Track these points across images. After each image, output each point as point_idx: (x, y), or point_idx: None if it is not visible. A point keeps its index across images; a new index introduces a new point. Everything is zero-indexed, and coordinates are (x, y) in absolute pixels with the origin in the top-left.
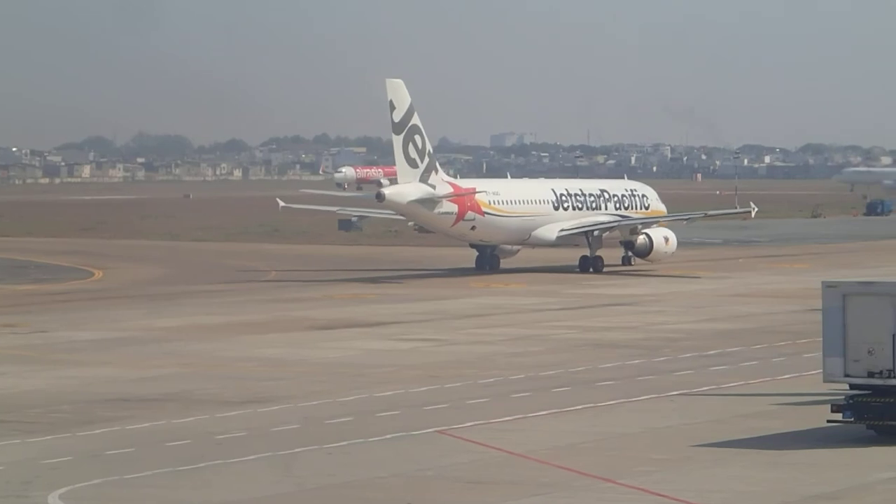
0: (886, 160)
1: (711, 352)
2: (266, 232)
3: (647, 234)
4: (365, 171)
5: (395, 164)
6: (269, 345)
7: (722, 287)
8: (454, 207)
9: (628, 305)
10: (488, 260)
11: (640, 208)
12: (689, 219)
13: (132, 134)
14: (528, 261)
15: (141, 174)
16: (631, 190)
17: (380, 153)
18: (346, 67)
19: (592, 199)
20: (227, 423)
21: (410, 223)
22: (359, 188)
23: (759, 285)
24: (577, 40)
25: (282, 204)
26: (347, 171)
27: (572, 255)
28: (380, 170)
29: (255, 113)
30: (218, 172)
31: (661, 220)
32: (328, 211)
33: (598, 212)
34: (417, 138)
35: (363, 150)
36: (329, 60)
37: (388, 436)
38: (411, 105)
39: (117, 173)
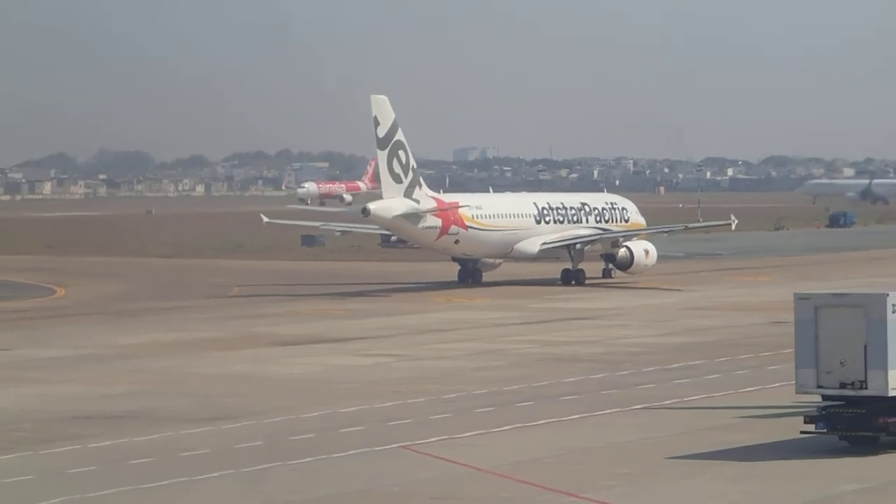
0: (849, 172)
1: (674, 365)
2: (229, 248)
3: (627, 247)
4: (327, 186)
5: (356, 180)
6: (232, 361)
7: (685, 300)
8: (438, 222)
9: (591, 319)
10: (471, 273)
11: (621, 221)
12: (669, 231)
13: (94, 150)
14: (510, 274)
15: (103, 191)
16: (611, 203)
17: (342, 168)
18: (309, 82)
19: (573, 212)
20: (191, 440)
21: (393, 237)
22: (321, 203)
23: (722, 298)
24: (540, 54)
25: (265, 219)
26: (310, 187)
27: (554, 269)
28: (342, 185)
29: (216, 128)
30: (180, 188)
31: (641, 232)
32: (312, 226)
33: (579, 225)
34: (402, 153)
35: (326, 165)
36: (291, 76)
37: (353, 451)
38: (395, 121)
39: (79, 190)
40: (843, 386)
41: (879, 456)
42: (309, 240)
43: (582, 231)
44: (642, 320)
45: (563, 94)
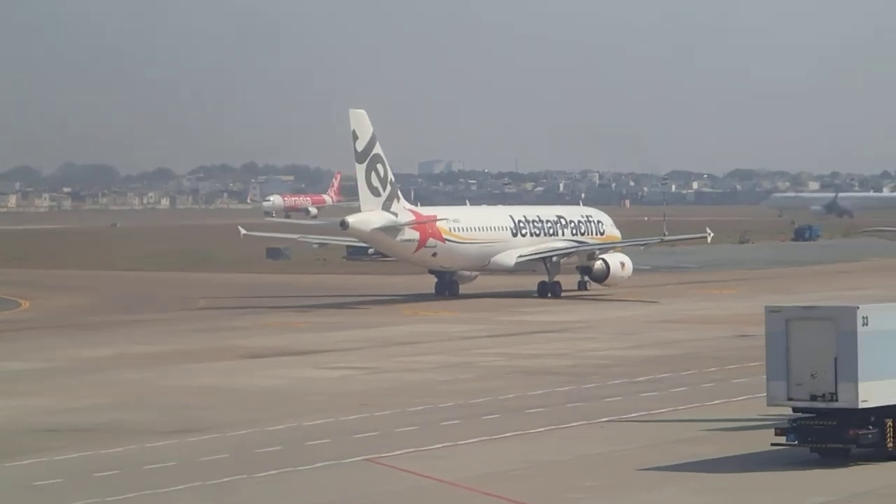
0: (814, 186)
1: (641, 378)
2: (194, 261)
3: (603, 260)
4: (293, 199)
5: (322, 193)
6: (199, 374)
7: (651, 313)
8: (416, 234)
9: (558, 332)
10: (448, 286)
11: (596, 234)
12: (646, 244)
13: (58, 163)
14: (486, 287)
15: (68, 204)
16: (587, 216)
17: (308, 181)
18: (274, 96)
19: (550, 225)
20: (157, 453)
21: (371, 250)
22: (287, 216)
23: (688, 311)
24: (506, 67)
25: (243, 231)
26: (275, 200)
27: (531, 281)
28: (308, 198)
29: (182, 142)
30: (145, 201)
31: (617, 245)
32: (289, 238)
33: (556, 238)
34: (380, 167)
35: (291, 178)
36: (256, 89)
37: (319, 464)
38: (373, 135)
39: (43, 203)
40: (813, 398)
41: (850, 468)
42: (274, 252)
43: (558, 244)
44: (609, 333)
45: (529, 107)
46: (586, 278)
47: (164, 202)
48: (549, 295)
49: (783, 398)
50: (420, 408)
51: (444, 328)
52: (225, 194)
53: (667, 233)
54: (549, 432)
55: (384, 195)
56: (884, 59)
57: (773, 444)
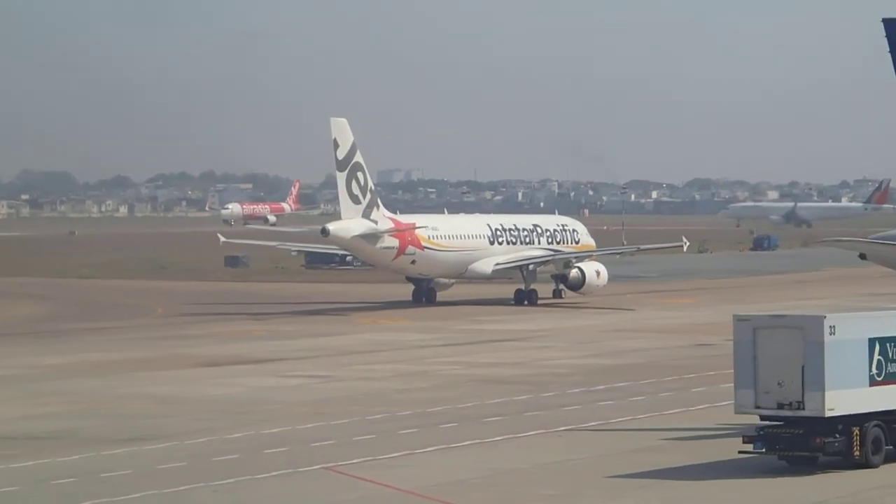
0: (773, 195)
1: (599, 387)
2: (153, 269)
3: (579, 268)
4: (252, 207)
5: (280, 201)
6: (155, 382)
7: (609, 322)
8: (395, 242)
9: (516, 341)
10: (425, 293)
11: (571, 243)
12: (622, 253)
13: (16, 170)
14: (464, 295)
15: (25, 211)
16: (562, 225)
17: (266, 190)
18: (232, 104)
19: (526, 233)
20: (113, 461)
21: (349, 257)
22: (245, 224)
23: (647, 320)
24: (464, 75)
25: (223, 239)
26: (234, 208)
27: (507, 290)
28: (266, 206)
29: (140, 149)
30: (104, 209)
31: (593, 254)
32: (268, 246)
33: (532, 246)
34: (360, 175)
35: (249, 186)
36: (213, 97)
37: (276, 473)
38: (354, 143)
39: (1, 210)
40: (780, 406)
41: (816, 476)
42: (233, 260)
43: (534, 252)
44: (567, 342)
45: (488, 116)
46: (561, 286)
47: (123, 210)
48: (526, 302)
49: (751, 406)
50: (378, 416)
51: (401, 337)
52: (183, 202)
53: (625, 241)
54: (507, 441)
55: (364, 203)
56: (841, 69)
57: (740, 452)
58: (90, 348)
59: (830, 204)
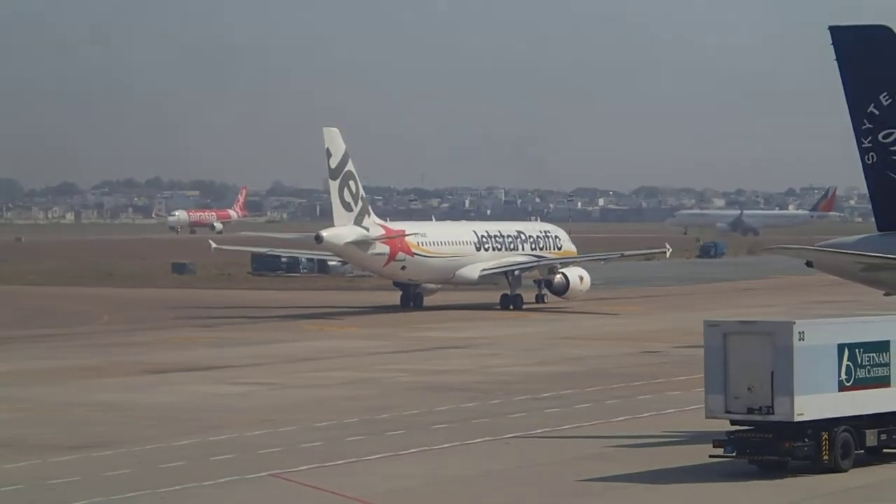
0: (719, 203)
1: (545, 394)
2: (99, 276)
3: (563, 274)
4: (198, 214)
5: (227, 208)
6: (102, 389)
7: (555, 330)
8: (386, 248)
9: (462, 348)
10: (412, 298)
11: (554, 249)
12: (606, 259)
13: None
14: (449, 300)
15: None
16: (545, 231)
17: (213, 197)
18: (177, 110)
19: (510, 240)
20: (60, 469)
21: (346, 266)
22: (192, 232)
23: (592, 328)
24: (410, 82)
25: (214, 245)
26: (181, 215)
27: (491, 295)
28: (213, 213)
29: (86, 156)
30: (50, 216)
31: (578, 259)
32: (259, 252)
33: (516, 252)
34: (352, 183)
35: (196, 193)
36: (159, 103)
37: (223, 479)
38: (346, 152)
39: None
40: (750, 411)
41: (785, 479)
42: (179, 267)
43: (519, 258)
44: (513, 349)
45: (434, 123)
46: (544, 291)
47: (69, 216)
48: (511, 307)
49: (721, 411)
50: (324, 423)
51: (347, 344)
52: (130, 209)
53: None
54: (453, 448)
55: (356, 210)
56: (788, 77)
57: (711, 456)
58: (36, 355)
59: (777, 212)
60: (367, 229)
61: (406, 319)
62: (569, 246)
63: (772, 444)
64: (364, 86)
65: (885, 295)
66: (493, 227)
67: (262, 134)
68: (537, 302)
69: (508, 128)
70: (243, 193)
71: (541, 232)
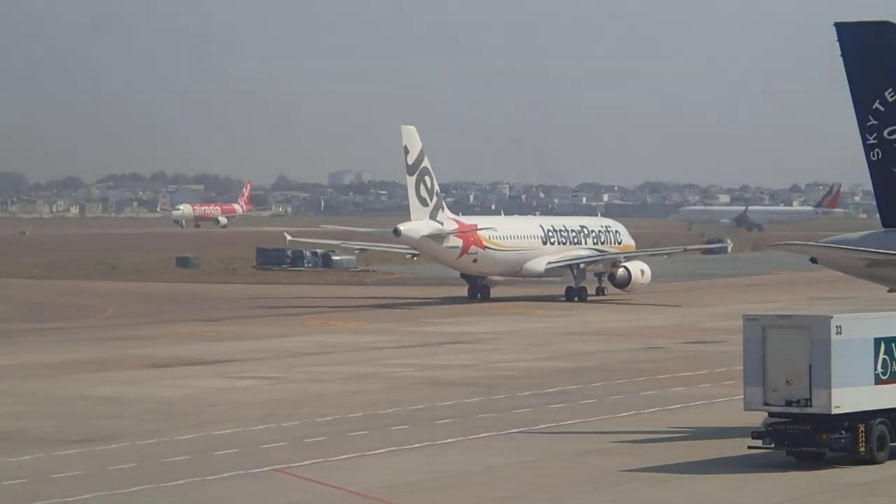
0: (724, 199)
1: (550, 390)
2: (103, 270)
3: (626, 267)
4: (203, 208)
5: (232, 202)
6: (105, 383)
7: (559, 325)
8: (460, 242)
9: (466, 343)
10: (479, 290)
11: (614, 243)
12: (668, 253)
13: None
14: (513, 291)
15: None
16: (606, 226)
17: (218, 191)
18: (182, 103)
19: (574, 234)
20: (63, 462)
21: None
22: (196, 226)
23: (597, 323)
24: (414, 77)
25: (289, 238)
26: (185, 209)
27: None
28: (217, 207)
29: (91, 150)
30: (54, 210)
31: (641, 253)
32: (332, 244)
33: (579, 246)
34: (427, 179)
35: (201, 187)
36: (164, 96)
37: (226, 474)
38: (422, 149)
39: None
40: (788, 403)
41: (823, 471)
42: (184, 261)
43: (582, 252)
44: (518, 345)
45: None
46: (605, 284)
47: (74, 210)
48: (576, 299)
49: (759, 403)
50: (328, 418)
51: (351, 339)
52: (134, 203)
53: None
54: (457, 443)
55: (431, 205)
56: (793, 73)
57: (749, 448)
58: (40, 349)
59: (781, 208)
60: (442, 223)
61: (411, 315)
62: (628, 240)
63: (809, 436)
64: (367, 82)
65: (890, 291)
66: (559, 222)
67: (265, 128)
68: (597, 294)
69: (513, 123)
70: (248, 187)
71: (602, 227)
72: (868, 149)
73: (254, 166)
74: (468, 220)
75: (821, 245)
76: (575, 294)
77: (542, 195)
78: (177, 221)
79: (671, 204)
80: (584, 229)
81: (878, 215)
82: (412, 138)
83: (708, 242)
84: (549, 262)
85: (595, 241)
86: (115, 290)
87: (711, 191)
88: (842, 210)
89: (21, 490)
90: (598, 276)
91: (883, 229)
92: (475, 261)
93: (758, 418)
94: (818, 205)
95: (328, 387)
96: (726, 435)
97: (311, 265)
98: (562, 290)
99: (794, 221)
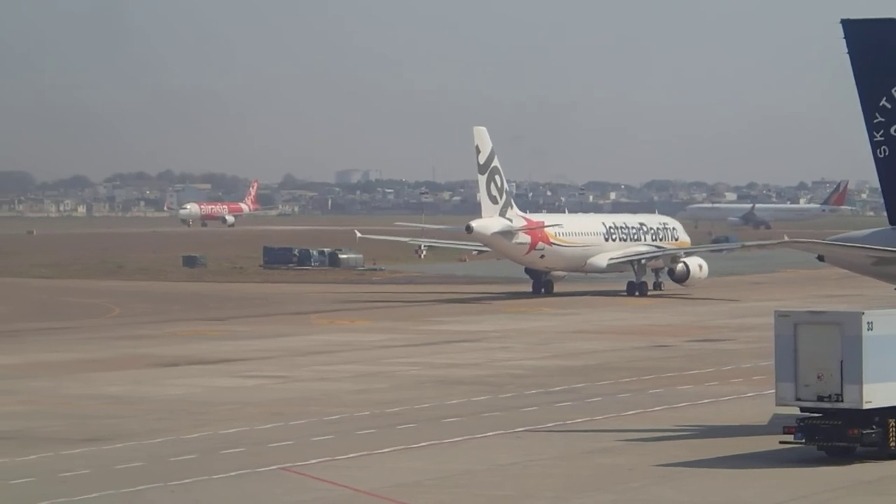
0: (731, 196)
1: (557, 388)
2: (109, 269)
3: (684, 262)
4: (210, 207)
5: (239, 201)
6: (112, 382)
7: (566, 323)
8: (528, 238)
9: (473, 342)
10: (543, 284)
11: (671, 240)
12: (727, 250)
13: None
14: (575, 286)
15: None
16: (663, 224)
17: (224, 189)
18: (189, 103)
19: (634, 231)
20: (71, 461)
21: (474, 251)
22: (203, 225)
23: (603, 322)
24: (421, 76)
25: (359, 235)
26: (192, 208)
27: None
28: (224, 206)
29: (98, 149)
30: (62, 209)
31: (700, 249)
32: (400, 241)
33: (639, 242)
34: (497, 178)
35: (208, 186)
36: (171, 96)
37: (233, 473)
38: (492, 149)
39: None
40: (820, 399)
41: (829, 468)
42: (190, 261)
43: (642, 248)
44: (524, 343)
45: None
46: (661, 279)
47: (81, 210)
48: (637, 293)
49: (791, 398)
50: (335, 417)
51: (358, 338)
52: (141, 202)
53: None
54: (464, 442)
55: (501, 203)
56: (800, 70)
57: (781, 443)
58: (46, 348)
59: (788, 205)
60: (511, 220)
61: (417, 313)
62: (684, 237)
63: (840, 431)
64: (374, 80)
65: None
66: (619, 219)
67: (272, 127)
68: (655, 289)
69: (519, 120)
70: (255, 186)
71: (660, 224)
72: (875, 146)
73: (261, 165)
74: (535, 218)
75: (827, 243)
76: (636, 289)
77: (548, 193)
78: (184, 220)
79: (678, 202)
80: (644, 226)
81: (885, 213)
82: (483, 138)
83: (715, 241)
84: (611, 258)
85: (653, 237)
86: (122, 289)
87: (718, 188)
88: (849, 207)
89: (28, 489)
90: (655, 271)
91: (890, 227)
92: (542, 256)
93: (764, 416)
94: (825, 202)
95: (335, 385)
96: (734, 433)
97: (317, 264)
98: (622, 286)
99: (801, 219)
